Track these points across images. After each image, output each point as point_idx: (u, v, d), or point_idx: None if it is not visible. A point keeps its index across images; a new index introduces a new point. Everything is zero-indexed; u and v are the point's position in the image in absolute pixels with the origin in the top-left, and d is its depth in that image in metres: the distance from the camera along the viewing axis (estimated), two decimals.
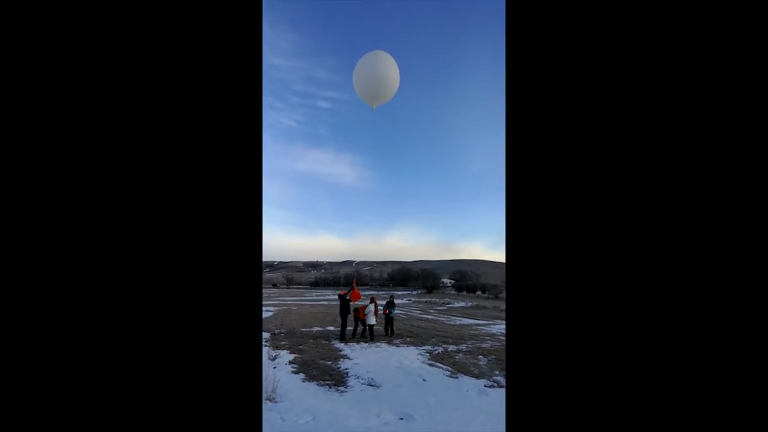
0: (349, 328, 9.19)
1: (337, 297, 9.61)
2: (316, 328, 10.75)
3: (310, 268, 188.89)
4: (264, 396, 3.96)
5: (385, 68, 5.37)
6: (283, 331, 10.02)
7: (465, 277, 66.07)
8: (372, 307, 8.76)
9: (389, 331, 9.39)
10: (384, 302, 9.78)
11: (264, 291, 51.19)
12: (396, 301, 11.17)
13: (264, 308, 18.71)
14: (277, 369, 5.44)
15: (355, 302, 9.28)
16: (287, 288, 78.46)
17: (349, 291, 9.17)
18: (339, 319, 9.50)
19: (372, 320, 8.64)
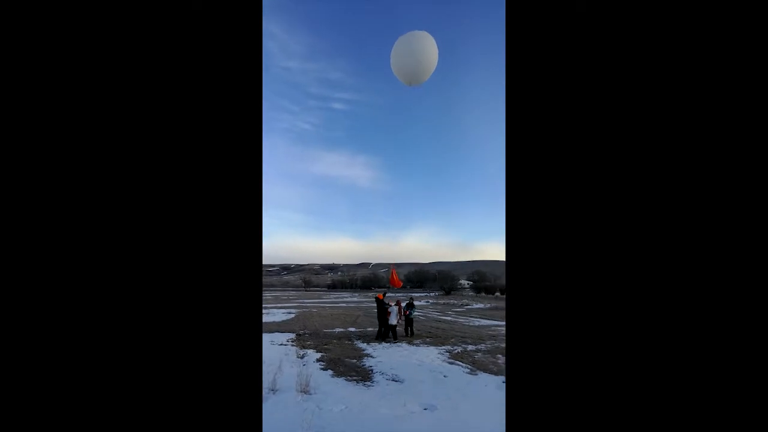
0: (370, 329, 9.57)
1: (374, 300, 9.96)
2: (338, 330, 11.16)
3: (327, 271, 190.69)
4: (299, 388, 4.37)
5: (427, 47, 5.26)
6: (307, 332, 10.48)
7: (483, 278, 65.51)
8: (396, 308, 9.13)
9: (409, 331, 9.70)
10: (404, 304, 10.12)
11: (282, 293, 52.15)
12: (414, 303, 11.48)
13: (285, 310, 19.30)
14: (306, 366, 5.85)
15: (395, 287, 9.56)
16: (305, 290, 79.56)
17: (387, 288, 9.50)
18: (358, 321, 9.86)
19: (393, 320, 9.00)
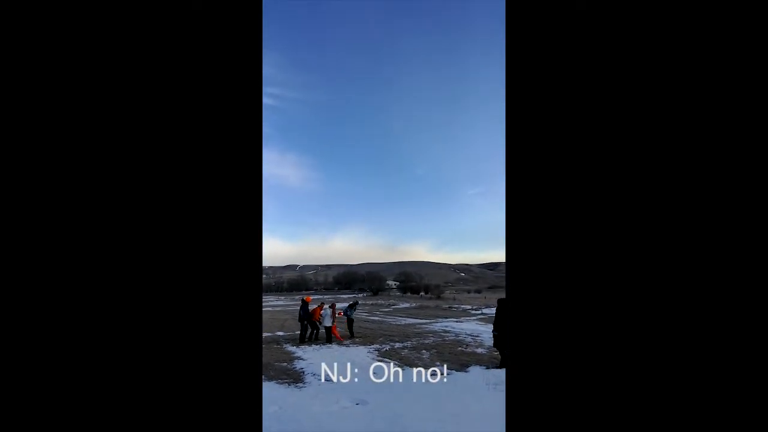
0: (298, 332, 9.54)
1: (300, 304, 9.85)
2: (265, 334, 10.83)
3: None
4: None
5: None
6: None
7: (409, 278, 68.01)
8: (329, 310, 9.22)
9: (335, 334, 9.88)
10: (345, 305, 10.34)
11: None
12: (342, 305, 11.69)
13: None
14: None
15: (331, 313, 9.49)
16: None
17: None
18: (286, 325, 9.74)
19: (328, 322, 9.09)
